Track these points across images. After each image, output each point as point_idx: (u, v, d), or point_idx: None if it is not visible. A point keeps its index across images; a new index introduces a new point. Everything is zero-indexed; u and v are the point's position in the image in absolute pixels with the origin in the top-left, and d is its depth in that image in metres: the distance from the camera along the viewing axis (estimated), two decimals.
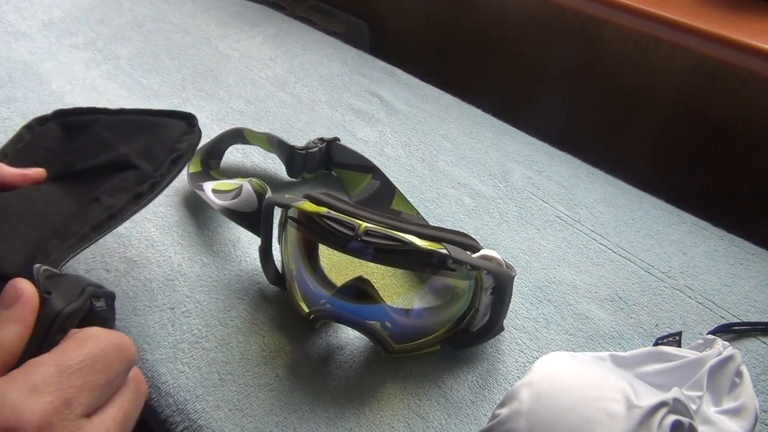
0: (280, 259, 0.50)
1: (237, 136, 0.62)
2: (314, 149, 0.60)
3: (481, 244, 0.45)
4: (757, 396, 0.41)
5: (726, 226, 0.59)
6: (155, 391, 0.45)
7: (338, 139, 0.61)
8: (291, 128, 0.69)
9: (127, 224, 0.54)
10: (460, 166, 0.65)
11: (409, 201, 0.59)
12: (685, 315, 0.50)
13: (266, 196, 0.48)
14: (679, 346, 0.44)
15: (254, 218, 0.50)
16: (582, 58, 0.88)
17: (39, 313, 0.31)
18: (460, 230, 0.44)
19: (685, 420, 0.33)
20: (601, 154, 0.70)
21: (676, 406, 0.33)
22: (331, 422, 0.43)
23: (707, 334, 0.47)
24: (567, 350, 0.46)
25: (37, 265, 0.33)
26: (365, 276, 0.46)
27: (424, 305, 0.50)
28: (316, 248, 0.49)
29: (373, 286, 0.46)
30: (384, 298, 0.46)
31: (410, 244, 0.41)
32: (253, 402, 0.44)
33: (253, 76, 0.77)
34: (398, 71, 0.80)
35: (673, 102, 0.82)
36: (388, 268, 0.52)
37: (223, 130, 0.61)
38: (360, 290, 0.46)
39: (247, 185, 0.51)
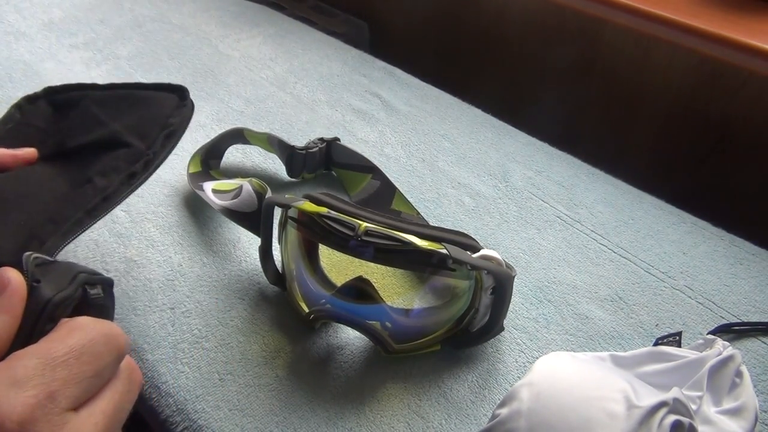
0: (280, 259, 0.50)
1: (237, 136, 0.62)
2: (314, 149, 0.60)
3: (481, 244, 0.45)
4: (757, 396, 0.41)
5: (726, 226, 0.59)
6: (155, 391, 0.45)
7: (338, 139, 0.61)
8: (291, 128, 0.69)
9: (127, 224, 0.54)
10: (460, 166, 0.65)
11: (409, 201, 0.59)
12: (685, 315, 0.50)
13: (266, 196, 0.48)
14: (679, 346, 0.44)
15: (254, 218, 0.50)
16: (582, 57, 0.88)
17: (27, 302, 0.30)
18: (460, 230, 0.44)
19: (685, 420, 0.33)
20: (601, 154, 0.70)
21: (676, 406, 0.33)
22: (331, 422, 0.43)
23: (707, 334, 0.47)
24: (567, 350, 0.46)
25: (27, 252, 0.32)
26: (365, 276, 0.46)
27: (424, 305, 0.50)
28: (316, 248, 0.49)
29: (373, 286, 0.46)
30: (384, 298, 0.46)
31: (410, 244, 0.41)
32: (253, 402, 0.44)
33: (253, 76, 0.77)
34: (398, 71, 0.80)
35: (674, 102, 0.82)
36: (388, 268, 0.52)
37: (223, 130, 0.61)
38: (360, 290, 0.46)
39: (247, 185, 0.51)
